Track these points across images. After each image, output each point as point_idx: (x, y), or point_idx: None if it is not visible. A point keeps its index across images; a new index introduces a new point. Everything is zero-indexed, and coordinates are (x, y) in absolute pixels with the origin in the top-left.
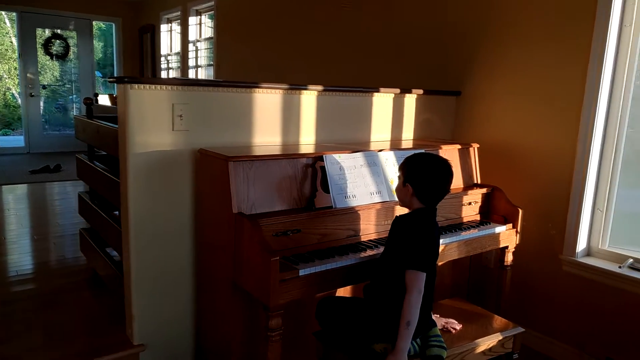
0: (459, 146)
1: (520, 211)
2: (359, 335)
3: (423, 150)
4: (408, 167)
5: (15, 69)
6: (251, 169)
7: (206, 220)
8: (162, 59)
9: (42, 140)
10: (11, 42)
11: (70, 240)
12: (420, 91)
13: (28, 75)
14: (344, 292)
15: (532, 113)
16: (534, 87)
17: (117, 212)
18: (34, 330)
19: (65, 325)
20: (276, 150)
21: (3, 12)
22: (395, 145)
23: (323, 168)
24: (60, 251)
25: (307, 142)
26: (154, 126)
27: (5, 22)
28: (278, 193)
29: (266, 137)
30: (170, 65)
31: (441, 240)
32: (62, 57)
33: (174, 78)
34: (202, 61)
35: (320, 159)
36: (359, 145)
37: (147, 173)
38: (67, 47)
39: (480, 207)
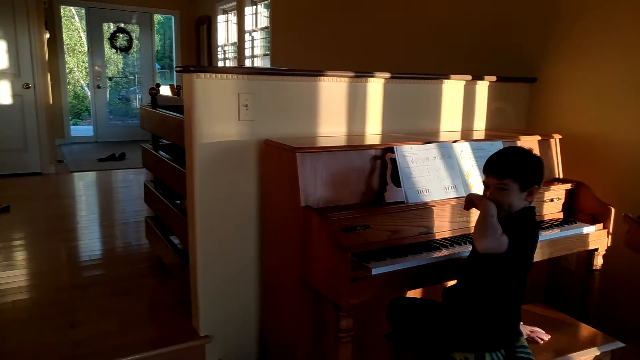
0: (538, 137)
1: (613, 210)
2: (436, 342)
3: (499, 142)
4: (507, 164)
5: (84, 62)
6: (319, 161)
7: (272, 213)
8: (219, 49)
9: (108, 130)
10: (79, 37)
11: (134, 227)
12: (493, 78)
13: (96, 67)
14: (412, 293)
15: (618, 100)
16: (619, 72)
17: (178, 201)
18: (107, 316)
19: (135, 312)
20: (343, 141)
21: (72, 9)
22: (468, 135)
23: (393, 160)
24: (126, 238)
25: (373, 132)
26: (219, 116)
27: (74, 19)
28: (346, 186)
29: (331, 128)
30: (226, 56)
31: None
32: (125, 50)
33: (239, 67)
34: (258, 51)
35: (391, 150)
36: (428, 135)
37: (213, 164)
38: (130, 41)
39: (564, 205)
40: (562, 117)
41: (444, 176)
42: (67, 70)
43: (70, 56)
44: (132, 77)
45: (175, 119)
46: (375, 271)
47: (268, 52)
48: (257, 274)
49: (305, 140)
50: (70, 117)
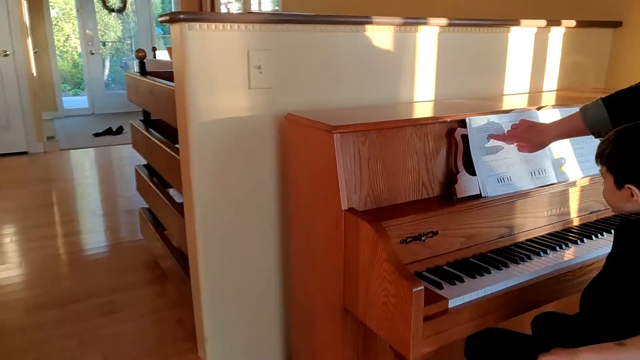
0: None
1: None
2: None
3: None
4: (607, 143)
5: None
6: (364, 144)
7: (300, 216)
8: (222, 7)
9: (106, 100)
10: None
11: (131, 217)
12: (572, 22)
13: (87, 31)
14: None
15: None
16: None
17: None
18: (88, 348)
19: (124, 339)
20: (392, 114)
21: None
22: (537, 99)
23: (465, 138)
24: (121, 231)
25: (424, 98)
26: (223, 83)
27: None
28: (401, 177)
29: (371, 93)
30: (230, 12)
31: None
32: (120, 11)
33: (249, 13)
34: (267, 7)
35: (461, 123)
36: (493, 100)
37: (215, 149)
38: (124, 0)
39: None
40: None
41: (528, 157)
42: (64, 38)
43: (66, 22)
44: (130, 42)
45: (165, 88)
46: (453, 302)
47: (277, 7)
48: (281, 295)
49: (341, 114)
50: (70, 88)
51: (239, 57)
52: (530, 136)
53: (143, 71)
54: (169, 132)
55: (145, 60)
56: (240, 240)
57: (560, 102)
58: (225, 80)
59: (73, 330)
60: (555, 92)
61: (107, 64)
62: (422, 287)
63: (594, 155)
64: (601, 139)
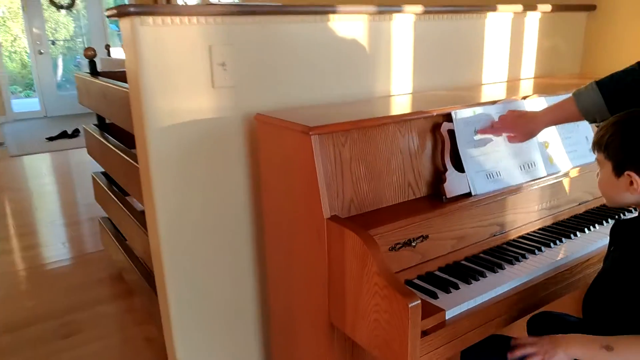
0: None
1: None
2: None
3: None
4: (604, 129)
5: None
6: (345, 145)
7: (275, 227)
8: (179, 1)
9: (59, 102)
10: None
11: (92, 226)
12: (548, 7)
13: (34, 30)
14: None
15: None
16: None
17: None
18: None
19: None
20: (373, 110)
21: None
22: (515, 87)
23: (451, 133)
24: (85, 242)
25: (401, 91)
26: (183, 83)
27: None
28: (385, 178)
29: (346, 88)
30: (188, 4)
31: None
32: (68, 7)
33: (208, 5)
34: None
35: (446, 117)
36: (471, 91)
37: (178, 156)
38: None
39: None
40: (628, 56)
41: (517, 150)
42: (12, 38)
43: (13, 21)
44: (81, 40)
45: (118, 90)
46: (450, 313)
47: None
48: (260, 310)
49: (317, 112)
50: (21, 90)
51: (200, 54)
52: (520, 125)
53: (94, 71)
54: (127, 135)
55: (98, 59)
56: (210, 253)
57: (541, 90)
58: (185, 79)
59: (30, 356)
60: (533, 80)
61: (60, 63)
62: (419, 301)
63: (583, 144)
64: (596, 124)
